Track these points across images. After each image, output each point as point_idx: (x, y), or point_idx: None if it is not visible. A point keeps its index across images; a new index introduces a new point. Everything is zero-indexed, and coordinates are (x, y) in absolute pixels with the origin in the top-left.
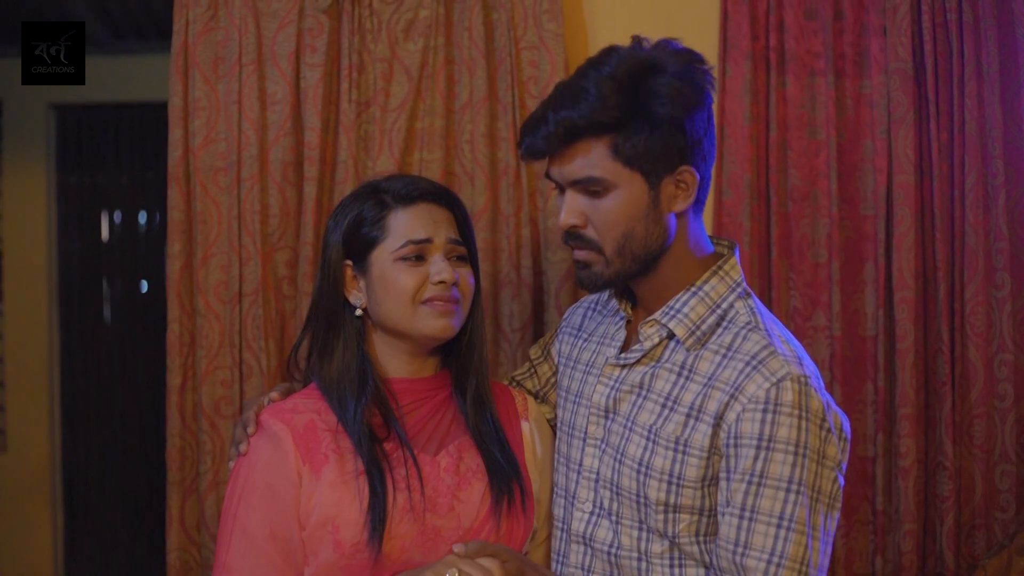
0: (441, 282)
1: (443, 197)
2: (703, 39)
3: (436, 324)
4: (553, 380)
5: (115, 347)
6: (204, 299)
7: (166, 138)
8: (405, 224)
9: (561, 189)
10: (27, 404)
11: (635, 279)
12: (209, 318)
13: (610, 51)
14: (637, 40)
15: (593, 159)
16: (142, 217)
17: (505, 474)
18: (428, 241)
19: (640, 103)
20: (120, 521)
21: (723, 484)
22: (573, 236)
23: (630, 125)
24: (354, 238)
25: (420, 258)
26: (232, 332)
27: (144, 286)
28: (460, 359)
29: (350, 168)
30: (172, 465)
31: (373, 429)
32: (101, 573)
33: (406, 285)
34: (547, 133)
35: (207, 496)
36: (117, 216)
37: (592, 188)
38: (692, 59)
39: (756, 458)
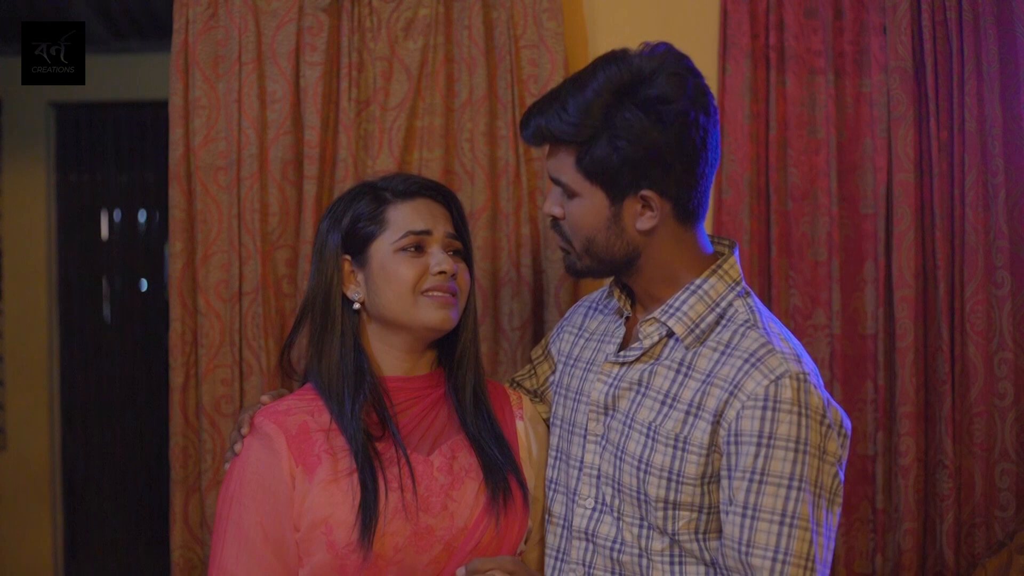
0: (441, 272)
1: (440, 193)
2: (703, 37)
3: (436, 315)
4: (551, 379)
5: (115, 346)
6: (205, 298)
7: (166, 137)
8: (405, 216)
9: None
10: (27, 403)
11: (620, 275)
12: (210, 317)
13: (614, 58)
14: (644, 48)
15: (561, 164)
16: (142, 216)
17: (502, 471)
18: (428, 233)
19: (605, 128)
20: (120, 521)
21: (724, 483)
22: (555, 225)
23: (593, 143)
24: (353, 233)
25: (420, 249)
26: (232, 331)
27: (144, 285)
28: (455, 356)
29: (350, 166)
30: (176, 463)
31: (368, 427)
32: (101, 573)
33: (406, 275)
34: (527, 134)
35: (208, 494)
36: (117, 215)
37: (564, 188)
38: (680, 85)
39: (757, 455)
